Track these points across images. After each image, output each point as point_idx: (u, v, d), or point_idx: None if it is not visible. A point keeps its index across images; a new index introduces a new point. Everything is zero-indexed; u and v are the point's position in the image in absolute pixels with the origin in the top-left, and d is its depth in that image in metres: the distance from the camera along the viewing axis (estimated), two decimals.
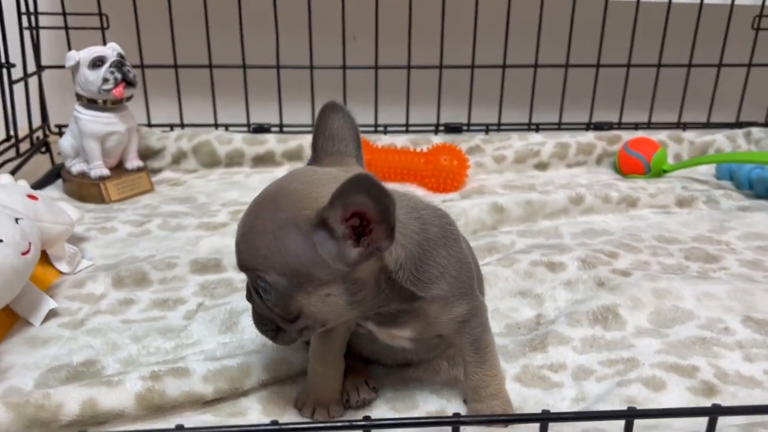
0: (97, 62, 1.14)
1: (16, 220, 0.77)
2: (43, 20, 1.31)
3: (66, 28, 1.32)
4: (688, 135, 1.40)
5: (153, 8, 1.35)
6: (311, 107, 1.38)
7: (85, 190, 1.19)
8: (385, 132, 1.41)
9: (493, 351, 0.66)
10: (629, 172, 1.30)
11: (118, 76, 1.14)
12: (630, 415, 0.49)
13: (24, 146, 1.31)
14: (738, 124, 1.45)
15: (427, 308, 0.60)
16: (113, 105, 1.18)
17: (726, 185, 1.27)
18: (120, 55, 1.17)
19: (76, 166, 1.21)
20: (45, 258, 0.91)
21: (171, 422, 0.64)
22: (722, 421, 0.58)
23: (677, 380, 0.70)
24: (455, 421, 0.48)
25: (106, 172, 1.19)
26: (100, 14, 1.30)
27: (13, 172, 1.21)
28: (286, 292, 0.55)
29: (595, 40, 1.38)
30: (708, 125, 1.45)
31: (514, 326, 0.82)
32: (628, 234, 1.05)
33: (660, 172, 1.29)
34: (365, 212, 0.52)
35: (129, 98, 1.20)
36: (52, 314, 0.81)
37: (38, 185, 1.24)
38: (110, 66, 1.14)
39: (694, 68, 1.41)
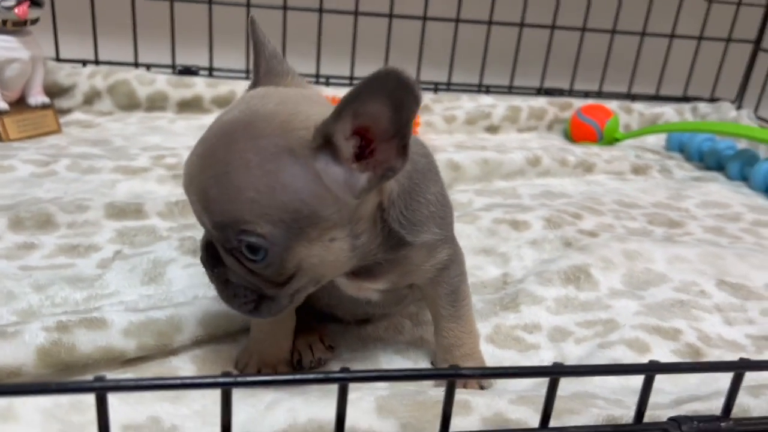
0: None
1: None
2: None
3: None
4: (638, 106, 1.38)
5: None
6: (245, 51, 1.25)
7: None
8: (327, 83, 1.30)
9: (469, 305, 0.58)
10: (581, 140, 1.26)
11: None
12: (653, 369, 0.42)
13: None
14: (685, 99, 1.43)
15: (413, 256, 0.51)
16: (14, 27, 1.01)
17: (676, 156, 1.25)
18: None
19: None
20: None
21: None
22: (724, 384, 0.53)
23: (661, 342, 0.65)
24: (453, 374, 0.39)
25: (4, 106, 1.02)
26: None
27: None
28: (282, 244, 0.44)
29: (552, 2, 1.32)
30: (657, 98, 1.43)
31: (480, 285, 0.75)
32: (588, 197, 0.99)
33: (612, 140, 1.25)
34: (377, 123, 0.42)
35: (35, 21, 1.03)
36: None
37: None
38: None
39: (647, 39, 1.37)
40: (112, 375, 0.54)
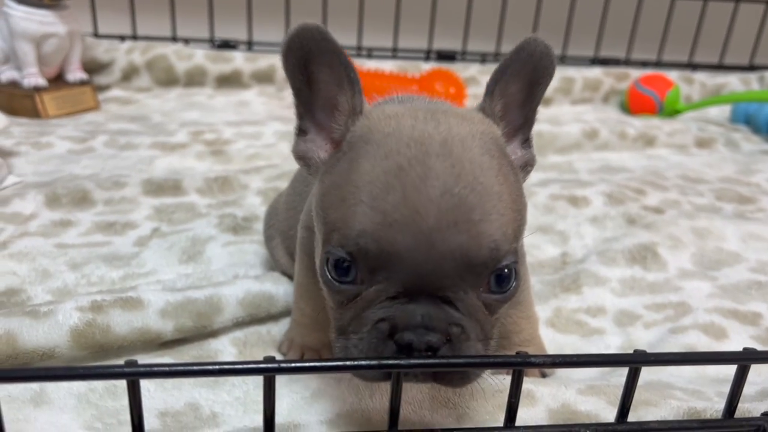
0: None
1: None
2: None
3: None
4: (700, 76, 1.29)
5: None
6: (285, 24, 1.21)
7: (17, 101, 1.01)
8: (369, 56, 1.25)
9: (528, 289, 0.53)
10: (639, 111, 1.18)
11: None
12: (747, 358, 0.37)
13: None
14: (751, 67, 1.34)
15: None
16: (51, 1, 0.99)
17: (743, 129, 1.17)
18: None
19: (6, 73, 1.02)
20: None
21: None
22: None
23: (739, 328, 0.59)
24: (522, 362, 0.35)
25: (42, 82, 1.01)
26: None
27: None
28: (519, 265, 0.38)
29: None
30: (720, 67, 1.34)
31: (538, 265, 0.69)
32: (651, 172, 0.93)
33: (673, 112, 1.18)
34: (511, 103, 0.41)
35: None
36: None
37: None
38: None
39: (710, 3, 1.28)
40: (148, 358, 0.51)
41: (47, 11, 0.99)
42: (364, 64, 1.20)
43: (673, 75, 1.27)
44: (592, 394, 0.44)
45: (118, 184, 0.76)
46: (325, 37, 0.37)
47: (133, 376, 0.33)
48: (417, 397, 0.44)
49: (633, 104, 1.19)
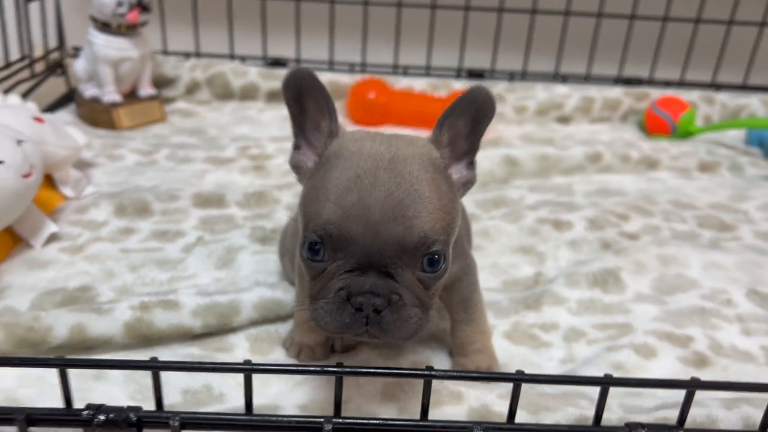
0: None
1: (19, 142, 0.77)
2: None
3: None
4: (721, 97, 1.34)
5: None
6: (329, 43, 1.35)
7: (97, 115, 1.19)
8: (405, 74, 1.38)
9: (481, 309, 0.65)
10: (654, 132, 1.26)
11: (133, 0, 1.12)
12: (606, 382, 0.48)
13: (40, 68, 1.30)
14: None
15: None
16: (127, 30, 1.16)
17: (755, 152, 1.22)
18: None
19: (89, 91, 1.20)
20: (50, 182, 0.92)
21: (158, 353, 0.64)
22: (705, 394, 0.58)
23: (669, 349, 0.69)
24: (428, 374, 0.48)
25: (118, 98, 1.19)
26: None
27: (27, 93, 1.21)
28: (448, 252, 0.50)
29: None
30: (744, 87, 1.38)
31: (512, 283, 0.81)
32: (643, 196, 1.02)
33: (686, 134, 1.24)
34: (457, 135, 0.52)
35: (144, 24, 1.18)
36: (53, 238, 0.82)
37: (52, 107, 1.24)
38: None
39: (733, 26, 1.33)
40: (181, 348, 0.66)
41: (123, 39, 1.16)
42: (398, 82, 1.32)
43: (694, 95, 1.33)
44: (506, 398, 0.57)
45: (173, 197, 0.93)
46: (313, 78, 0.52)
47: (156, 369, 0.48)
48: (371, 391, 0.57)
49: (649, 125, 1.26)
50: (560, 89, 1.33)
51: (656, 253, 0.83)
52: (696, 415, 0.55)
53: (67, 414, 0.47)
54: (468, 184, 0.55)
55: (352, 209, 0.47)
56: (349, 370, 0.48)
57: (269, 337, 0.69)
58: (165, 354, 0.64)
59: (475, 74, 1.37)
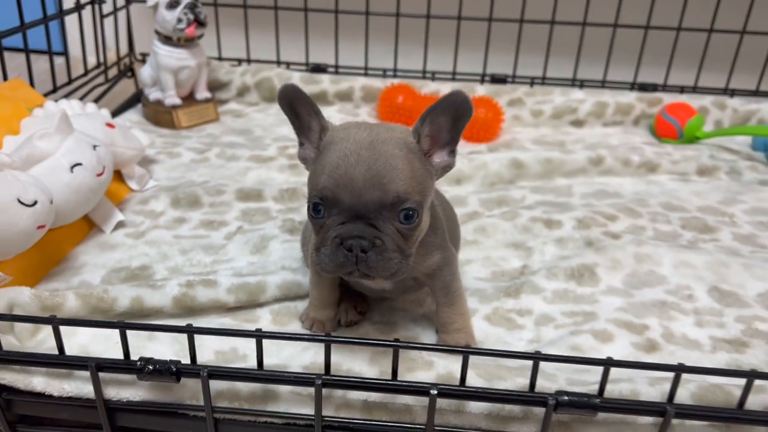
0: (173, 4, 1.29)
1: (94, 147, 0.95)
2: None
3: None
4: (733, 102, 1.41)
5: None
6: (365, 51, 1.48)
7: (160, 116, 1.37)
8: (433, 78, 1.50)
9: (460, 294, 0.78)
10: (663, 136, 1.34)
11: (191, 17, 1.29)
12: (536, 357, 0.61)
13: (113, 72, 1.49)
14: None
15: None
16: (186, 42, 1.33)
17: (758, 157, 1.29)
18: None
19: (153, 94, 1.38)
20: (119, 176, 1.09)
21: (198, 321, 0.80)
22: (638, 373, 0.69)
23: (625, 335, 0.80)
24: (395, 345, 0.62)
25: (177, 101, 1.36)
26: None
27: (102, 95, 1.40)
28: (420, 209, 0.63)
29: (647, 1, 1.39)
30: (757, 93, 1.44)
31: (500, 273, 0.93)
32: (637, 198, 1.12)
33: (693, 139, 1.32)
34: (440, 129, 0.65)
35: (200, 36, 1.34)
36: (120, 225, 0.99)
37: (123, 107, 1.43)
38: (184, 7, 1.29)
39: (747, 34, 1.40)
40: (217, 317, 0.82)
41: (183, 49, 1.33)
42: (426, 86, 1.45)
43: (707, 100, 1.40)
44: (471, 368, 0.70)
45: (219, 191, 1.09)
46: (299, 90, 0.67)
47: (191, 333, 0.64)
48: (362, 357, 0.71)
49: (659, 130, 1.35)
50: (577, 94, 1.43)
51: (633, 252, 0.94)
52: (623, 388, 0.67)
53: (125, 364, 0.63)
54: (447, 167, 0.68)
55: (341, 180, 0.62)
56: (334, 338, 0.62)
57: (288, 312, 0.84)
58: (203, 322, 0.80)
59: (497, 80, 1.49)
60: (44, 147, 0.88)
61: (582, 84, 1.48)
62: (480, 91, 1.43)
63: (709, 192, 1.15)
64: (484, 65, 1.48)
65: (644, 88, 1.46)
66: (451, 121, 0.65)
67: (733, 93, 1.45)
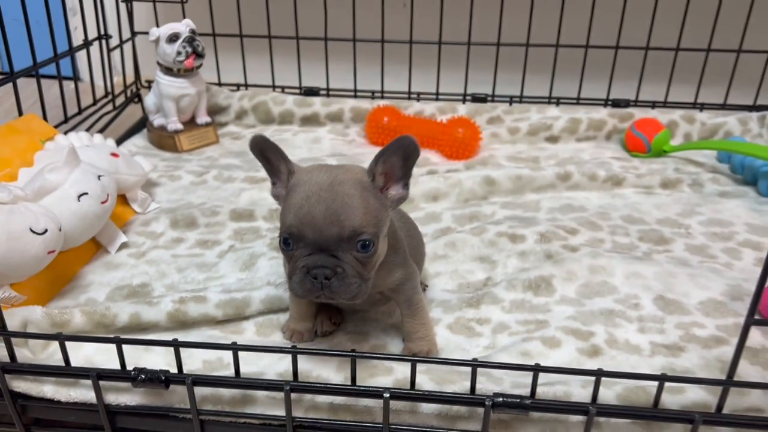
0: (173, 38, 1.40)
1: (99, 177, 1.05)
2: None
3: (154, 0, 1.57)
4: (702, 116, 1.49)
5: None
6: (353, 74, 1.58)
7: (163, 140, 1.47)
8: (418, 99, 1.59)
9: (422, 307, 0.87)
10: (633, 150, 1.43)
11: (189, 49, 1.39)
12: (473, 364, 0.70)
13: (120, 99, 1.61)
14: (755, 107, 1.50)
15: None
16: (186, 72, 1.43)
17: (722, 168, 1.37)
18: (192, 31, 1.41)
19: (157, 120, 1.49)
20: (124, 200, 1.20)
21: (190, 334, 0.90)
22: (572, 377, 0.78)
23: (572, 341, 0.88)
24: (352, 355, 0.71)
25: (179, 126, 1.47)
26: None
27: (110, 121, 1.51)
28: (376, 240, 0.71)
29: (616, 21, 1.48)
30: (725, 106, 1.52)
31: (465, 285, 1.02)
32: (600, 212, 1.20)
33: (661, 152, 1.40)
34: (393, 167, 0.75)
35: (199, 66, 1.45)
36: (123, 245, 1.10)
37: (130, 132, 1.54)
38: (183, 41, 1.39)
39: (713, 52, 1.47)
40: (208, 329, 0.92)
41: (183, 79, 1.44)
42: (411, 106, 1.54)
43: (676, 114, 1.48)
44: (425, 373, 0.79)
45: (214, 212, 1.19)
46: (267, 140, 0.77)
47: (177, 346, 0.74)
48: (330, 365, 0.81)
49: (629, 144, 1.43)
50: (553, 111, 1.51)
51: (588, 264, 1.02)
52: (557, 390, 0.76)
53: (122, 373, 0.73)
54: (401, 198, 0.77)
55: (305, 218, 0.71)
56: (299, 350, 0.72)
57: (271, 324, 0.94)
58: (194, 334, 0.90)
59: (478, 99, 1.57)
60: (54, 179, 0.98)
61: (558, 101, 1.57)
62: (461, 110, 1.52)
63: (670, 204, 1.23)
64: (465, 86, 1.57)
65: (617, 104, 1.54)
66: (402, 160, 0.74)
67: (702, 107, 1.53)
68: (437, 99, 1.58)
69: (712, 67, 1.49)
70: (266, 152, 0.78)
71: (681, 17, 1.46)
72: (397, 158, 0.74)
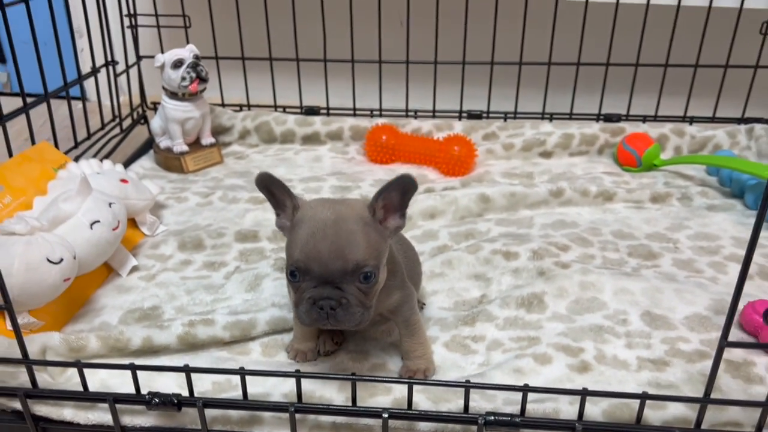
0: (177, 63, 1.45)
1: (110, 204, 1.10)
2: (141, 20, 1.62)
3: (158, 26, 1.62)
4: (691, 129, 1.53)
5: (226, 9, 1.63)
6: (352, 93, 1.63)
7: (170, 162, 1.52)
8: (415, 116, 1.64)
9: (419, 327, 0.92)
10: (625, 164, 1.47)
11: (193, 75, 1.44)
12: (464, 385, 0.75)
13: (127, 122, 1.66)
14: (744, 120, 1.55)
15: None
16: (190, 96, 1.48)
17: (710, 181, 1.41)
18: (195, 57, 1.46)
19: (163, 142, 1.54)
20: (133, 223, 1.25)
21: (199, 355, 0.95)
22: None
23: (562, 358, 0.93)
24: (352, 378, 0.76)
25: (185, 148, 1.52)
26: (184, 16, 1.59)
27: (118, 144, 1.56)
28: (378, 270, 0.76)
29: (606, 39, 1.52)
30: (714, 120, 1.56)
31: (461, 303, 1.07)
32: (591, 227, 1.24)
33: (651, 166, 1.45)
34: (392, 201, 0.80)
35: (202, 90, 1.50)
36: (134, 269, 1.15)
37: (137, 153, 1.59)
38: (187, 66, 1.44)
39: (701, 68, 1.51)
40: (216, 350, 0.96)
41: (188, 103, 1.49)
42: (409, 123, 1.59)
43: (666, 128, 1.52)
44: (422, 392, 0.84)
45: (220, 234, 1.24)
46: (272, 176, 0.82)
47: (188, 372, 0.79)
48: (332, 386, 0.86)
49: (620, 159, 1.48)
50: (546, 127, 1.56)
51: (579, 280, 1.06)
52: (547, 407, 0.80)
53: (136, 397, 0.78)
54: (399, 227, 0.82)
55: (311, 254, 0.76)
56: (302, 374, 0.77)
57: (276, 344, 0.98)
58: (204, 355, 0.95)
59: (473, 116, 1.62)
60: (68, 209, 1.03)
61: (551, 117, 1.61)
62: (458, 126, 1.57)
63: (659, 219, 1.27)
64: (461, 103, 1.61)
65: (609, 118, 1.59)
66: (401, 195, 0.79)
67: (692, 120, 1.57)
68: (434, 116, 1.63)
69: (701, 81, 1.53)
70: (272, 188, 0.82)
71: (669, 34, 1.50)
72: (396, 194, 0.79)
